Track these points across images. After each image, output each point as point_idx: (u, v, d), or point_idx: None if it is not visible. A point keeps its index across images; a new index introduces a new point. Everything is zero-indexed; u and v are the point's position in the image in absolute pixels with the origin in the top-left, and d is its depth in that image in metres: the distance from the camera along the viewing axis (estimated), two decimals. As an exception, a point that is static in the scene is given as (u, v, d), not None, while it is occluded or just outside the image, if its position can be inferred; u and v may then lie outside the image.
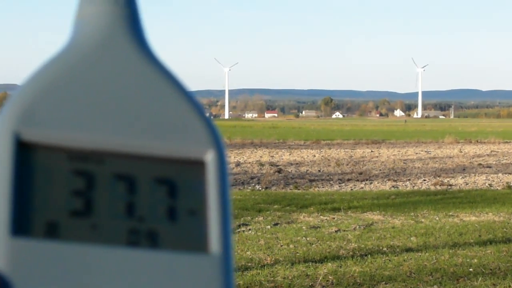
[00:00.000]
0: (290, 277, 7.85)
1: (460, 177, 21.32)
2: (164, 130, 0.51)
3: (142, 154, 0.51)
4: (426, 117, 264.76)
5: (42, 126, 0.49)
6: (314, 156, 29.87)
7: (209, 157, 0.52)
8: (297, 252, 9.30)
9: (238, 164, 24.58)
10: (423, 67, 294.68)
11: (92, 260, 0.48)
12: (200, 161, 0.52)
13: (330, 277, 7.90)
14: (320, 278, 7.82)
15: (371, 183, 19.44)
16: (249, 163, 25.25)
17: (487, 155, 31.90)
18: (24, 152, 0.49)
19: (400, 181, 20.04)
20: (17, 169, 0.48)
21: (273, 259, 8.83)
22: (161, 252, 0.49)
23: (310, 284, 7.57)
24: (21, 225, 0.47)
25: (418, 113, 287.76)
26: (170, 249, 0.50)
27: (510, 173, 22.70)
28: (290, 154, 30.53)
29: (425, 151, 33.88)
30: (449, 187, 18.64)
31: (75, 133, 0.50)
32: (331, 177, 20.92)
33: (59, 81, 0.50)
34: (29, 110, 0.49)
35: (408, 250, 9.60)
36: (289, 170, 22.76)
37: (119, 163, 0.51)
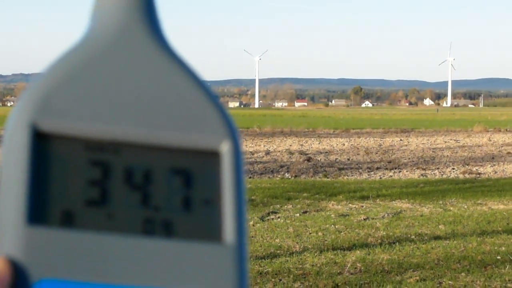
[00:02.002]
0: (318, 265, 7.86)
1: (489, 165, 21.17)
2: (179, 121, 0.51)
3: (158, 144, 0.51)
4: (456, 106, 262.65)
5: (59, 116, 0.49)
6: (344, 144, 29.80)
7: (224, 148, 0.52)
8: (326, 240, 9.29)
9: (267, 152, 24.60)
10: (454, 56, 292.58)
11: (107, 249, 0.48)
12: (215, 152, 0.52)
13: (358, 264, 7.89)
14: (349, 265, 7.81)
15: (400, 171, 19.37)
16: (279, 151, 25.26)
17: (517, 143, 31.62)
18: (41, 142, 0.49)
19: (429, 169, 19.94)
20: (34, 159, 0.48)
21: (301, 246, 8.84)
22: (176, 242, 0.49)
23: (339, 271, 7.57)
24: (37, 213, 0.47)
25: (448, 102, 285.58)
26: (185, 238, 0.50)
27: (539, 162, 22.50)
28: (319, 143, 30.49)
29: (454, 140, 33.67)
30: (478, 175, 18.52)
31: (91, 124, 0.50)
32: (360, 165, 20.87)
33: (76, 72, 0.51)
34: (46, 101, 0.50)
35: (436, 238, 9.56)
36: (319, 159, 22.73)
37: (135, 154, 0.51)
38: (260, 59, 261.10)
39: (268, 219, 10.88)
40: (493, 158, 23.95)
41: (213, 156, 0.52)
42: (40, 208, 0.48)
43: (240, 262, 0.50)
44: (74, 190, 0.49)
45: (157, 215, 0.50)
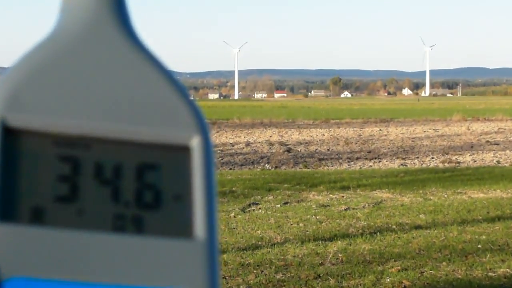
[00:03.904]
0: (300, 255, 7.87)
1: (468, 154, 21.33)
2: (149, 116, 0.51)
3: (127, 140, 0.51)
4: (434, 95, 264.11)
5: (27, 111, 0.49)
6: (323, 135, 29.92)
7: (194, 143, 0.52)
8: (307, 231, 9.31)
9: (248, 144, 24.65)
10: (431, 46, 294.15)
11: (78, 246, 0.48)
12: (185, 147, 0.52)
13: (339, 255, 7.91)
14: (330, 256, 7.83)
15: (380, 161, 19.46)
16: (259, 142, 25.33)
17: (495, 132, 31.88)
18: (10, 137, 0.48)
19: (409, 159, 20.05)
20: (2, 154, 0.48)
21: (283, 237, 8.85)
22: (147, 238, 0.49)
23: (320, 262, 7.59)
24: (6, 210, 0.47)
25: (426, 91, 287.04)
26: (155, 234, 0.50)
27: (517, 150, 22.68)
28: (299, 134, 30.60)
29: (433, 129, 33.87)
30: (457, 164, 18.63)
31: (60, 119, 0.49)
32: (340, 155, 20.96)
33: (45, 67, 0.50)
34: (15, 96, 0.49)
35: (417, 227, 9.61)
36: (299, 149, 22.81)
37: (104, 149, 0.50)
38: (239, 50, 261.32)
39: (249, 211, 10.90)
40: (472, 147, 24.11)
41: (183, 151, 0.52)
42: (9, 205, 0.47)
43: (211, 258, 0.50)
44: (44, 186, 0.49)
45: (127, 211, 0.50)
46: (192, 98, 0.53)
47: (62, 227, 0.48)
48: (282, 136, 29.12)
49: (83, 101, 0.50)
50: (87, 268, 0.47)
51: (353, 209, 11.11)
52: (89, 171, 0.50)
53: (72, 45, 0.51)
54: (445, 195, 12.64)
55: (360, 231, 9.31)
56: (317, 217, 10.34)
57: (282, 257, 7.79)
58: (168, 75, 0.52)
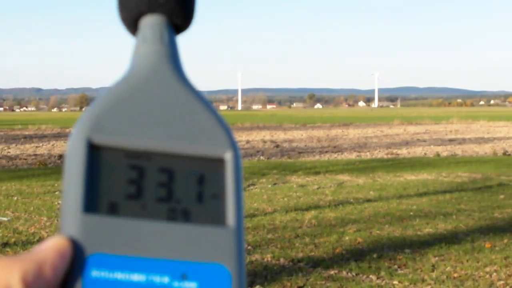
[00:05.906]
0: (284, 221, 7.87)
1: (405, 148, 21.30)
2: (195, 136, 0.51)
3: (179, 153, 0.51)
4: (381, 106, 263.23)
5: (107, 132, 0.49)
6: (302, 135, 29.84)
7: (228, 156, 0.51)
8: (290, 203, 9.30)
9: (247, 141, 24.58)
10: (378, 71, 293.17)
11: (142, 230, 0.48)
12: (221, 159, 0.51)
13: (313, 220, 7.91)
14: (306, 221, 7.84)
15: (342, 153, 19.42)
16: (256, 140, 25.26)
17: (423, 133, 31.84)
18: (93, 151, 0.49)
19: (363, 152, 20.01)
20: (88, 164, 0.48)
21: (272, 208, 8.85)
22: (192, 226, 0.49)
23: (299, 226, 7.59)
24: (90, 204, 0.48)
25: (375, 104, 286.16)
26: (198, 223, 0.49)
27: (439, 145, 22.69)
28: (285, 134, 30.51)
29: (380, 131, 33.81)
30: (397, 155, 18.62)
31: (131, 138, 0.50)
32: (314, 150, 20.92)
33: (120, 100, 0.51)
34: (98, 120, 0.50)
35: (368, 200, 9.60)
36: (284, 145, 22.75)
37: (162, 160, 0.50)
38: (241, 74, 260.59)
39: (248, 189, 10.89)
40: (407, 143, 24.10)
41: (220, 162, 0.51)
42: (92, 200, 0.48)
43: (239, 240, 0.49)
44: (117, 187, 0.49)
45: (178, 206, 0.50)
46: (227, 123, 0.53)
47: (130, 217, 0.48)
48: (272, 136, 29.06)
49: (147, 125, 0.50)
50: (149, 247, 0.47)
51: (323, 188, 11.10)
52: (150, 176, 0.50)
53: (140, 85, 0.52)
54: (388, 178, 12.62)
55: (328, 203, 9.29)
56: (297, 194, 10.33)
57: (272, 222, 7.79)
58: (209, 106, 0.52)
